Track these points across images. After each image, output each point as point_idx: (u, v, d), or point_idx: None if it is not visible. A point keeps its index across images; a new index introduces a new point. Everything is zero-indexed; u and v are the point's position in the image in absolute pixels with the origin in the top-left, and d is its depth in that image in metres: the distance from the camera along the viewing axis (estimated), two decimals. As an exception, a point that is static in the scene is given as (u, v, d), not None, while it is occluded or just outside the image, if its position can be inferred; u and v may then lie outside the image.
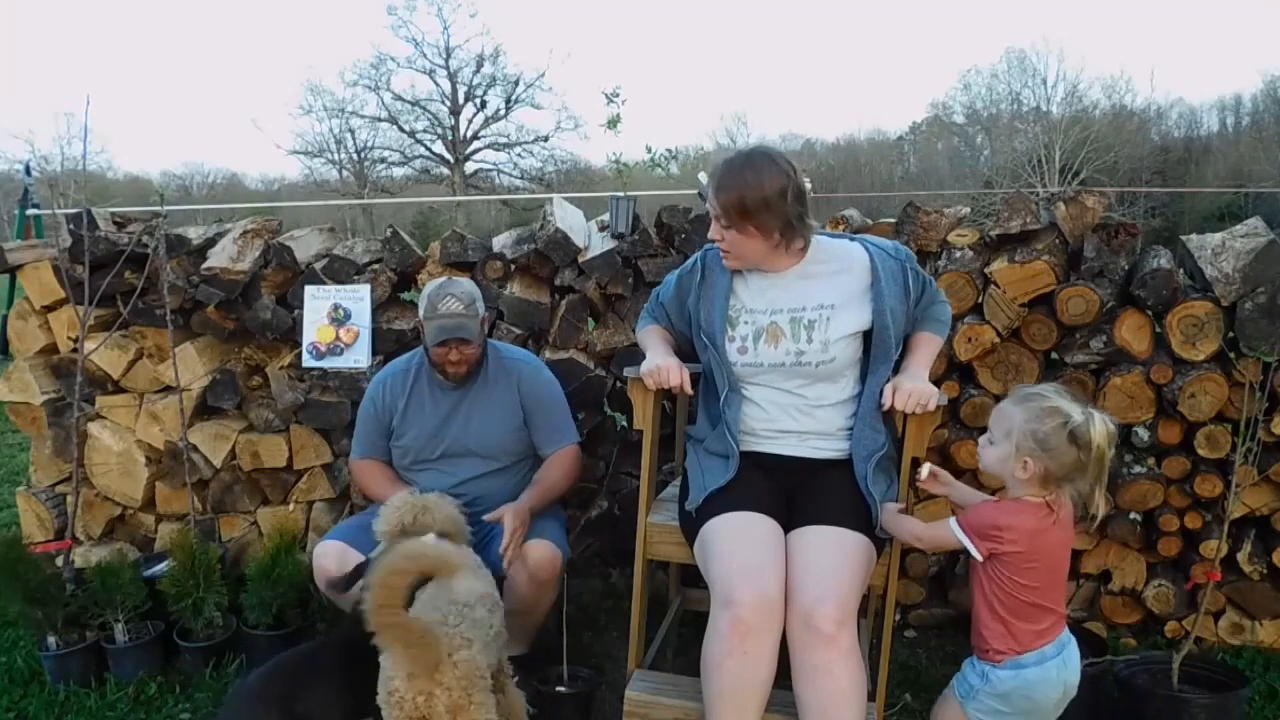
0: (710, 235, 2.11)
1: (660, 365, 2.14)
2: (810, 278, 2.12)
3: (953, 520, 1.87)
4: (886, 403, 2.03)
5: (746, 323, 2.14)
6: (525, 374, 2.69)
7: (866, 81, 63.23)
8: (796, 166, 2.05)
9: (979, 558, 1.83)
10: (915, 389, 2.01)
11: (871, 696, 2.14)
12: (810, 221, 2.09)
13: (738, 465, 2.11)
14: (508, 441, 2.66)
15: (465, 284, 2.61)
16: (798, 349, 2.08)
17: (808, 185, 2.08)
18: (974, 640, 1.92)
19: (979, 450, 1.93)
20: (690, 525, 2.13)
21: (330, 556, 2.45)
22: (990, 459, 1.88)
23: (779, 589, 1.88)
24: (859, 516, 2.00)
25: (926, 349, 2.18)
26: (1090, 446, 1.74)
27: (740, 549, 1.95)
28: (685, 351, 2.36)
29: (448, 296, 2.54)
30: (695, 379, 2.50)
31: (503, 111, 29.50)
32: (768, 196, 1.97)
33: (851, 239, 2.21)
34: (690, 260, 2.29)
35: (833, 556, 1.90)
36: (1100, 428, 1.75)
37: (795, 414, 2.13)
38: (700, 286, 2.21)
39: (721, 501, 2.07)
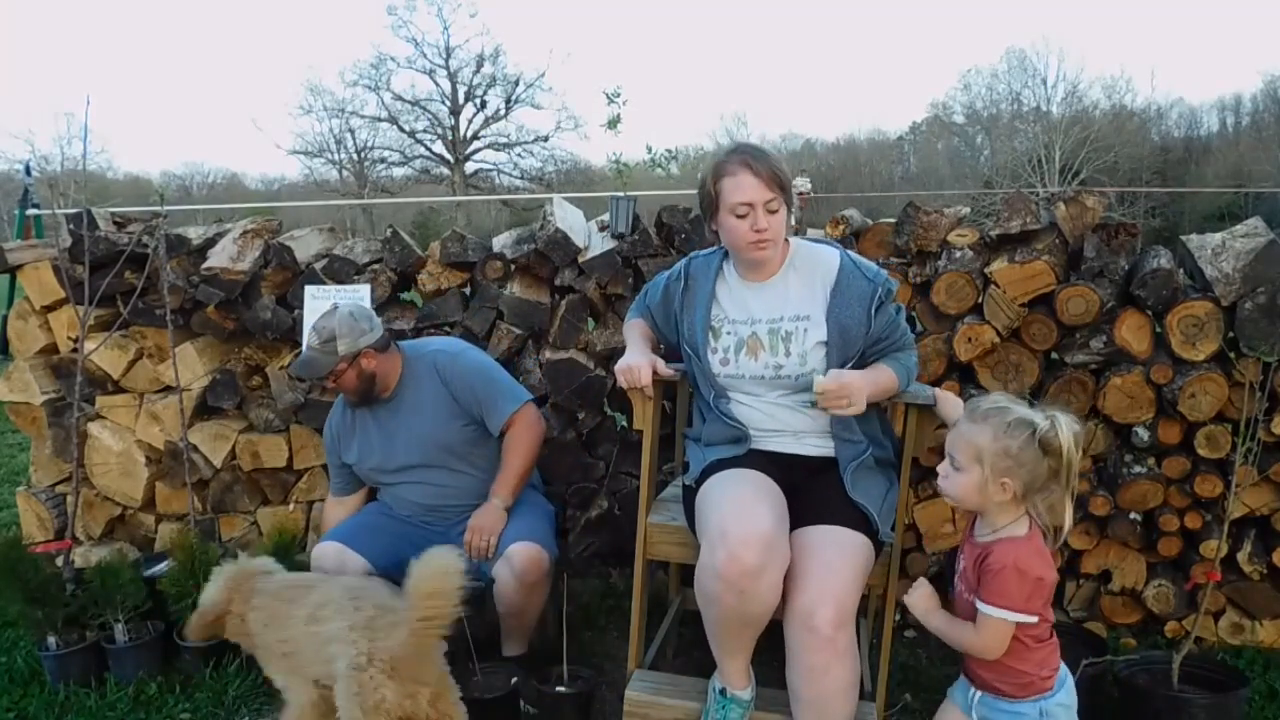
0: (758, 225, 2.00)
1: (632, 364, 2.13)
2: (789, 285, 2.12)
3: (993, 609, 1.65)
4: (821, 383, 1.93)
5: (729, 333, 2.14)
6: (442, 363, 2.60)
7: (866, 81, 63.27)
8: None
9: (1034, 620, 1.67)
10: (846, 383, 1.93)
11: (871, 697, 2.14)
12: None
13: (747, 448, 2.12)
14: (447, 439, 2.60)
15: (336, 319, 2.50)
16: (776, 362, 2.08)
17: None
18: (1010, 686, 1.72)
19: (940, 481, 1.77)
20: (691, 502, 2.13)
21: (329, 558, 2.45)
22: (961, 488, 1.71)
23: (777, 527, 1.87)
24: (857, 517, 2.00)
25: (880, 372, 2.06)
26: (1061, 452, 1.64)
27: (735, 490, 1.97)
28: (669, 348, 2.37)
29: (312, 330, 2.53)
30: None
31: (503, 111, 29.55)
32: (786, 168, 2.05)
33: (833, 247, 2.18)
34: (675, 268, 2.28)
35: (832, 557, 1.90)
36: (1067, 431, 1.65)
37: (787, 414, 2.13)
38: (684, 295, 2.20)
39: (721, 467, 2.09)
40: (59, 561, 2.96)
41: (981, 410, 1.72)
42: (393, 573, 2.52)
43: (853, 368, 2.09)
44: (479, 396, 2.57)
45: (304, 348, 2.56)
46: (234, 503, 3.27)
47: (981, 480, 1.68)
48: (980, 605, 1.67)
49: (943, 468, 1.76)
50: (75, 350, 3.11)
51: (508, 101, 29.34)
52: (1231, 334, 2.60)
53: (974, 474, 1.69)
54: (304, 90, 33.87)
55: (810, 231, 3.02)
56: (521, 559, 2.39)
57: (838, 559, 1.89)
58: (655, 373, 2.14)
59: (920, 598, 1.78)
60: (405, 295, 3.38)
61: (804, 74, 61.26)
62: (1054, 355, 2.77)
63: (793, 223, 2.11)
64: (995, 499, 1.69)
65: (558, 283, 3.13)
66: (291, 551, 2.78)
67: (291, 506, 3.27)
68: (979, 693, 1.76)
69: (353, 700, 1.90)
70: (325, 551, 2.47)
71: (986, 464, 1.67)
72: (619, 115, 4.02)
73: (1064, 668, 1.78)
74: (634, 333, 2.35)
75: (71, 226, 3.15)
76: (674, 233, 3.06)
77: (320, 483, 3.25)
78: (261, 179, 34.10)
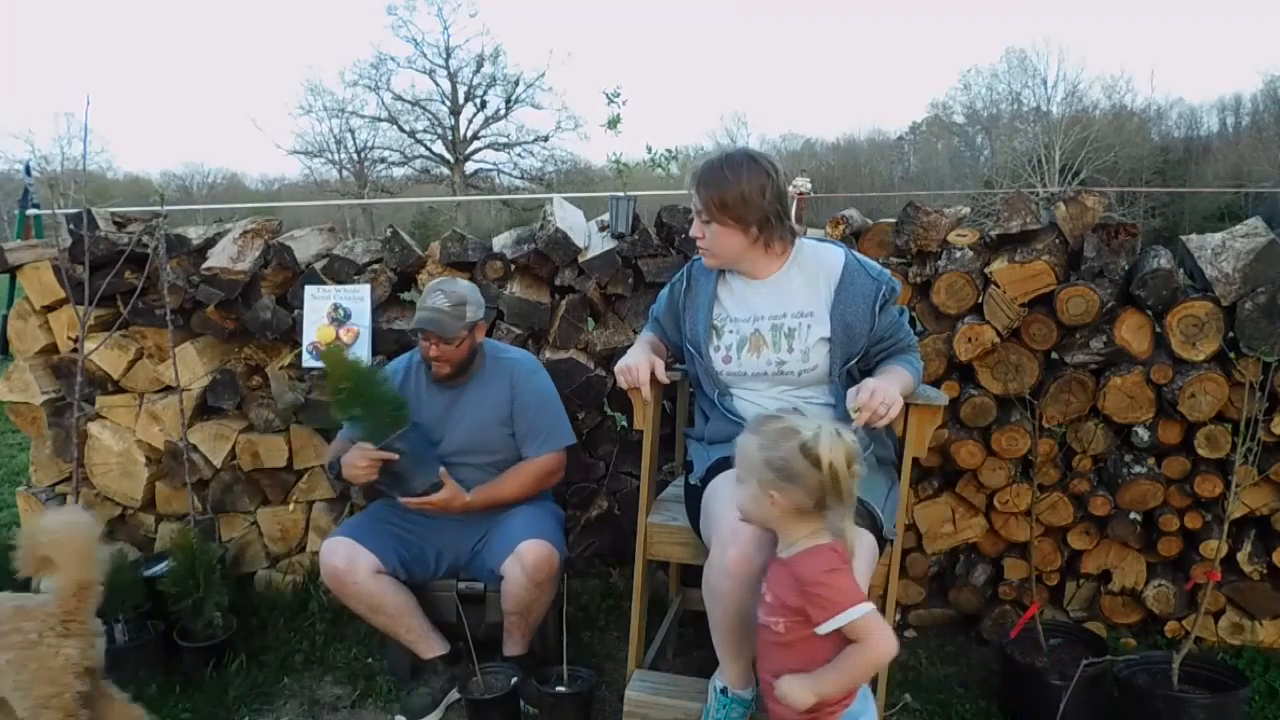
0: (691, 232, 2.13)
1: (631, 364, 2.15)
2: (792, 282, 2.14)
3: (847, 614, 1.51)
4: (850, 402, 1.89)
5: (731, 331, 2.16)
6: (518, 374, 2.67)
7: (866, 81, 63.28)
8: (779, 169, 2.08)
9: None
10: (880, 385, 1.89)
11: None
12: (790, 224, 2.11)
13: None
14: (490, 440, 2.64)
15: (463, 286, 2.60)
16: (779, 359, 2.10)
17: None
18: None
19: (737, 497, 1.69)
20: (695, 501, 2.13)
21: (340, 554, 2.46)
22: (742, 501, 1.63)
23: None
24: (861, 514, 2.00)
25: (899, 372, 2.05)
26: (822, 464, 1.52)
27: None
28: (679, 357, 2.37)
29: (438, 292, 2.56)
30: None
31: (503, 111, 29.55)
32: (745, 192, 2.02)
33: (838, 246, 2.21)
34: (679, 272, 2.32)
35: None
36: (830, 441, 1.53)
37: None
38: (687, 295, 2.24)
39: (726, 466, 2.07)
40: (59, 561, 2.95)
41: (759, 420, 1.66)
42: (400, 571, 2.53)
43: (859, 370, 2.10)
44: (531, 420, 2.63)
45: (426, 305, 2.53)
46: (234, 503, 3.27)
47: (755, 493, 1.59)
48: (833, 623, 1.53)
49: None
50: (75, 350, 3.11)
51: (508, 101, 29.36)
52: (1231, 334, 2.60)
53: (750, 486, 1.60)
54: (304, 90, 33.90)
55: (810, 231, 3.02)
56: (533, 556, 2.41)
57: None
58: (654, 375, 2.15)
59: (793, 688, 1.58)
60: (405, 295, 3.38)
61: (804, 74, 61.29)
62: (1054, 355, 2.77)
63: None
64: (769, 513, 1.59)
65: (558, 283, 3.13)
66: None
67: (291, 507, 3.26)
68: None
69: (39, 676, 1.92)
70: (335, 548, 2.47)
71: (755, 476, 1.58)
72: (619, 115, 4.02)
73: (866, 688, 1.68)
74: (638, 341, 2.38)
75: (71, 226, 3.15)
76: (674, 233, 3.06)
77: (320, 483, 3.25)
78: (261, 179, 34.15)
